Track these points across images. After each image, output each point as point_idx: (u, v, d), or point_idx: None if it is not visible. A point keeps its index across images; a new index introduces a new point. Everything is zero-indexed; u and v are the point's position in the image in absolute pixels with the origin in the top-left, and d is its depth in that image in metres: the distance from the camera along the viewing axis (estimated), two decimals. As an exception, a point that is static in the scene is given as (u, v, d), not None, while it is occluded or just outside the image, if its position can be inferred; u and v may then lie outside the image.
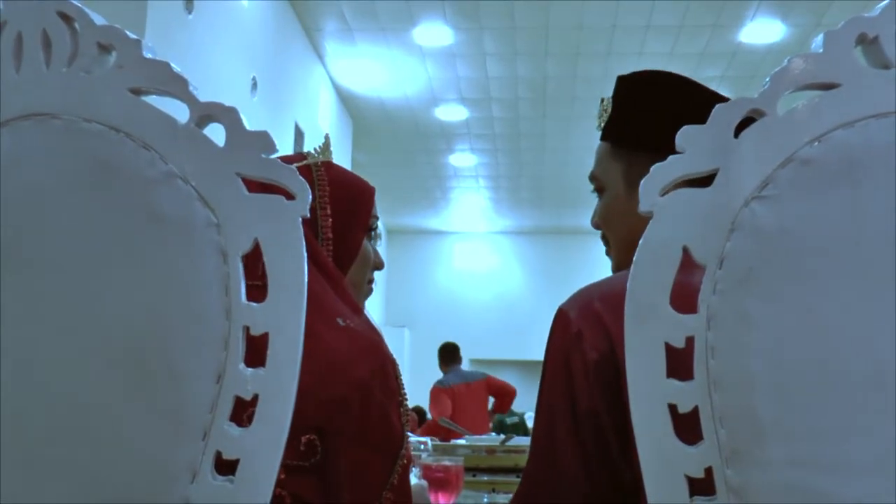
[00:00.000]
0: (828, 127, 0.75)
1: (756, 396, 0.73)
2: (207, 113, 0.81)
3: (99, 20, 0.85)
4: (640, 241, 0.76)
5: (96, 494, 0.79)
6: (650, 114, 1.27)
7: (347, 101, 8.35)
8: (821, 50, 0.75)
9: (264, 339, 0.78)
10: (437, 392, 7.11)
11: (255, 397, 0.77)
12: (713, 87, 1.33)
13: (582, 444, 1.08)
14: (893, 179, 0.73)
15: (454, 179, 10.67)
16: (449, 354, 7.37)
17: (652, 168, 0.76)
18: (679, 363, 0.75)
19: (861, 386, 0.72)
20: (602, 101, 1.36)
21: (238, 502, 0.76)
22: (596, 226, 1.38)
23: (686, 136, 0.75)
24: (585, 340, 1.09)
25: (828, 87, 0.75)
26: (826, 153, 0.74)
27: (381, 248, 1.56)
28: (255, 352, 0.78)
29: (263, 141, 0.80)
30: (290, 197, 0.79)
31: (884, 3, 0.76)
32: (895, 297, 0.72)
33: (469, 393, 6.90)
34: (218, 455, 0.77)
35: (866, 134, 0.74)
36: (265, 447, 0.76)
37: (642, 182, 0.75)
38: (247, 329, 0.78)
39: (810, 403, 0.73)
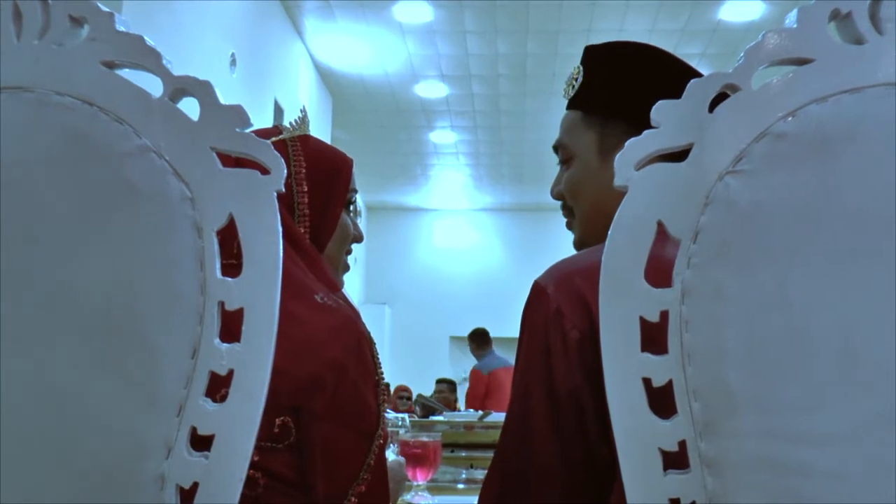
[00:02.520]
0: (801, 102, 0.75)
1: (729, 369, 0.74)
2: (181, 86, 0.81)
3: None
4: (615, 216, 0.76)
5: (70, 469, 0.79)
6: (625, 81, 1.26)
7: (327, 78, 8.30)
8: (795, 25, 0.76)
9: (239, 315, 0.78)
10: (476, 377, 7.28)
11: (230, 374, 0.77)
12: (693, 63, 1.32)
13: (559, 431, 1.05)
14: (865, 153, 0.74)
15: (434, 156, 10.65)
16: (481, 338, 7.51)
17: (626, 143, 0.76)
18: (653, 337, 0.76)
19: (833, 358, 0.73)
20: (573, 69, 1.33)
21: (213, 478, 0.76)
22: (559, 196, 1.32)
23: (661, 110, 0.75)
24: (566, 318, 1.05)
25: (802, 62, 0.76)
26: (800, 127, 0.74)
27: (362, 223, 1.55)
28: (230, 329, 0.78)
29: (238, 115, 0.79)
30: (265, 172, 0.79)
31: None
32: (866, 271, 0.73)
33: (507, 378, 6.99)
34: (193, 431, 0.77)
35: (839, 108, 0.74)
36: (240, 423, 0.76)
37: (617, 157, 0.75)
38: (221, 304, 0.78)
39: (783, 376, 0.73)
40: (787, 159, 0.74)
